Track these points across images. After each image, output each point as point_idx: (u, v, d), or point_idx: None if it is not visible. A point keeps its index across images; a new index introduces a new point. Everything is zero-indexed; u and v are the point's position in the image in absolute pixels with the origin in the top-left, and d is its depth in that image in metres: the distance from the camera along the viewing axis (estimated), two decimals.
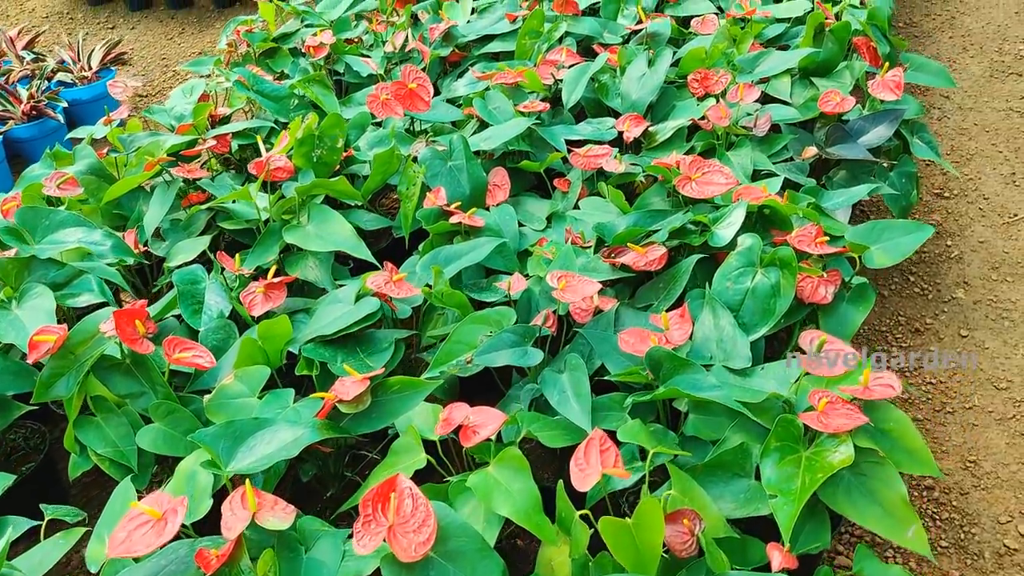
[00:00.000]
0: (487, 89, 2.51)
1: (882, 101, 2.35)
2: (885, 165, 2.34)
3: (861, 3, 2.86)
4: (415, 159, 2.26)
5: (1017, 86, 3.56)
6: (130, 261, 1.99)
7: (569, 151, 2.29)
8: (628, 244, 1.84)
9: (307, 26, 3.28)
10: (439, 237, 2.04)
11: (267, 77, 2.72)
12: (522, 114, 2.42)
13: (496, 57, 2.99)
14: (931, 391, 2.28)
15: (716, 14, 2.95)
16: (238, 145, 2.53)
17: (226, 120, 2.68)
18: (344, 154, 2.44)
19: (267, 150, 2.33)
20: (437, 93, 2.92)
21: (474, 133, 2.44)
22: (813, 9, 2.93)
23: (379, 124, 2.60)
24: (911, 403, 2.24)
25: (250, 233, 2.21)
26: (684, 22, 3.04)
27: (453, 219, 2.00)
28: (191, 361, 1.54)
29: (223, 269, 1.89)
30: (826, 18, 2.67)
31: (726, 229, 1.83)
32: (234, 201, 2.19)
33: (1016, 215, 2.85)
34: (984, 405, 2.22)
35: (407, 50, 2.85)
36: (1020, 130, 3.28)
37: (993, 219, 2.85)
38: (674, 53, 2.76)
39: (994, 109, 3.44)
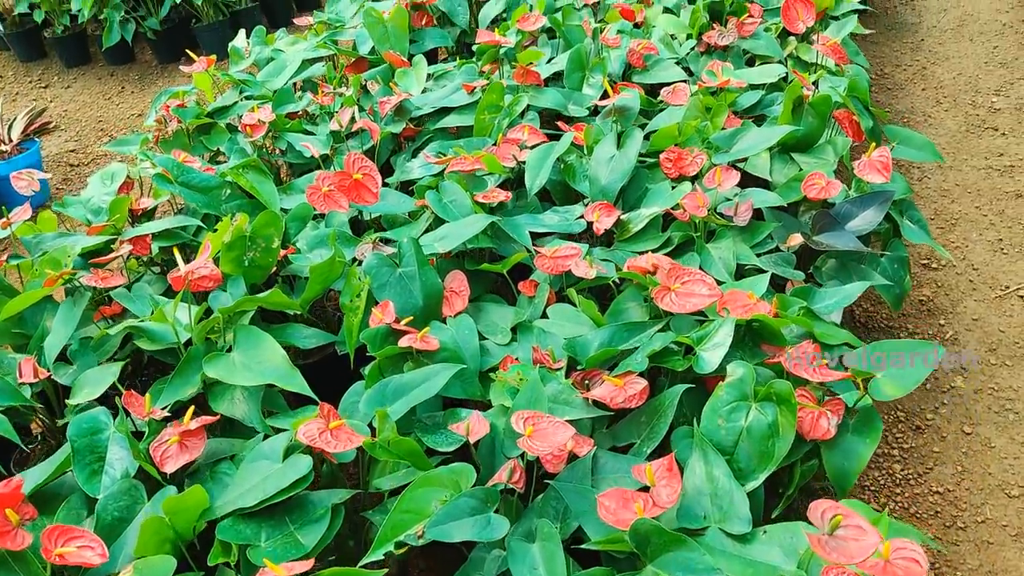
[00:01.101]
0: (442, 177, 2.28)
1: (869, 183, 2.17)
2: (877, 253, 2.15)
3: (837, 67, 2.70)
4: (360, 263, 2.01)
5: (994, 142, 3.43)
6: (24, 400, 1.70)
7: (535, 247, 2.07)
8: (603, 376, 1.61)
9: (247, 98, 3.04)
10: (388, 360, 1.79)
11: (196, 164, 2.46)
12: (481, 206, 2.19)
13: (454, 133, 2.77)
14: (939, 502, 2.07)
15: (686, 82, 2.76)
16: (159, 248, 2.25)
17: (151, 214, 2.41)
18: (282, 252, 2.18)
19: (194, 257, 2.07)
20: (390, 171, 2.69)
21: (428, 229, 2.20)
22: (787, 76, 2.76)
23: (323, 215, 2.35)
24: (920, 518, 2.03)
25: (173, 352, 1.94)
26: (653, 90, 2.85)
27: (403, 341, 1.75)
28: (78, 557, 1.26)
29: (129, 413, 1.62)
30: (804, 88, 2.49)
31: (712, 352, 1.61)
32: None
33: (1007, 287, 2.68)
34: (997, 518, 2.02)
35: (354, 129, 2.61)
36: (1002, 191, 3.14)
37: (985, 292, 2.68)
38: (644, 126, 2.57)
39: (974, 167, 3.30)
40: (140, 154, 2.53)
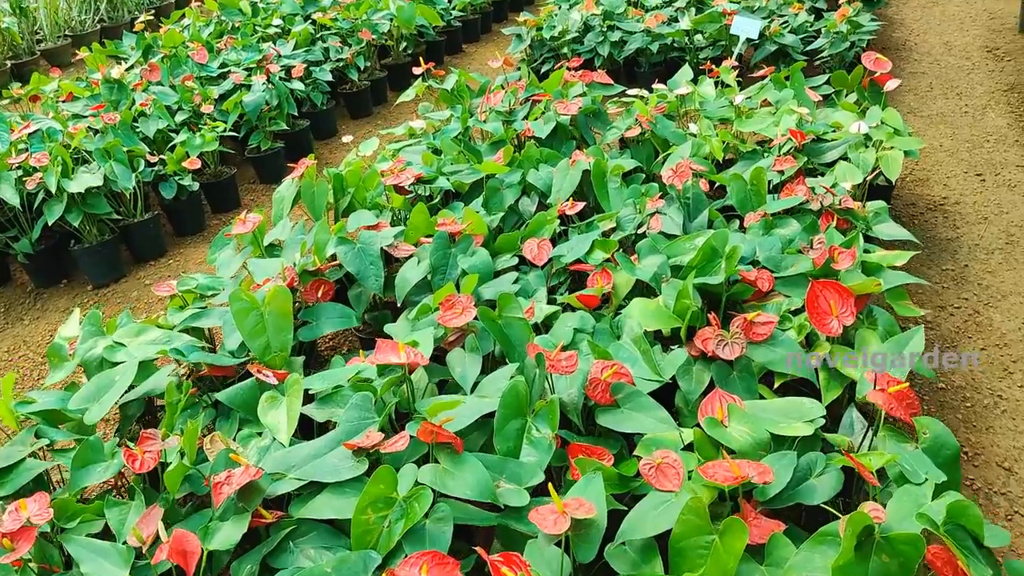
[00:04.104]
0: None
1: None
2: None
3: (900, 428, 1.79)
4: None
5: None
6: None
7: None
8: None
9: (51, 447, 2.10)
10: None
11: None
12: None
13: (332, 527, 1.82)
14: None
15: (678, 429, 1.85)
16: None
17: None
18: None
19: None
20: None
21: None
22: (825, 423, 1.86)
23: None
24: None
25: None
26: (627, 440, 1.94)
27: None
28: None
29: None
30: (870, 479, 1.57)
31: None
32: None
33: None
34: None
35: (157, 560, 1.65)
36: None
37: None
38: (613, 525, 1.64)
39: None
40: None
